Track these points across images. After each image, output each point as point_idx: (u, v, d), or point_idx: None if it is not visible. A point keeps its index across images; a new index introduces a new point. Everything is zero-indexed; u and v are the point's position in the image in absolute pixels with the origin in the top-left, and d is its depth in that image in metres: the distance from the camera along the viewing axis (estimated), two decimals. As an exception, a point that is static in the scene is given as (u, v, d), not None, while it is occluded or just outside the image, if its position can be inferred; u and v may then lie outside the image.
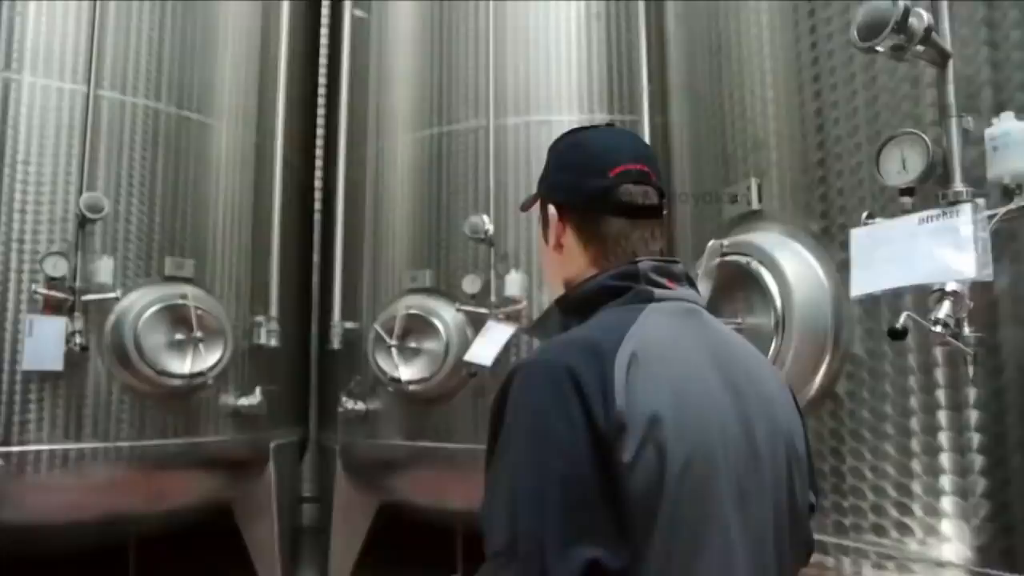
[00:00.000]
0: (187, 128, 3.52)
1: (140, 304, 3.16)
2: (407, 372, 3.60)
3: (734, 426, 1.03)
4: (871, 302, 1.73)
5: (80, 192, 3.08)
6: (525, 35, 3.85)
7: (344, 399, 3.83)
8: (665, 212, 1.22)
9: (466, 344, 3.53)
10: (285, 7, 4.09)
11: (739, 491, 1.00)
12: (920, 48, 1.51)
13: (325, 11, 4.54)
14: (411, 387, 3.58)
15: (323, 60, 4.50)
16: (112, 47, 3.30)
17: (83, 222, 3.05)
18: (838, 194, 1.89)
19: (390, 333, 3.63)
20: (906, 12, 1.45)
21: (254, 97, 3.92)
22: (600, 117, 3.78)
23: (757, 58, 2.18)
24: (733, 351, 1.13)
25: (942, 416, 1.58)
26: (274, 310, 3.77)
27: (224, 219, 3.66)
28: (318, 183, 4.53)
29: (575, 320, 1.12)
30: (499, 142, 3.76)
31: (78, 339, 2.91)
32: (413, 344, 3.65)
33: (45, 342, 2.89)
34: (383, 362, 3.64)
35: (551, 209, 1.20)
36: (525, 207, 1.32)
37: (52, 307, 2.95)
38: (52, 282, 2.95)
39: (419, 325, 3.62)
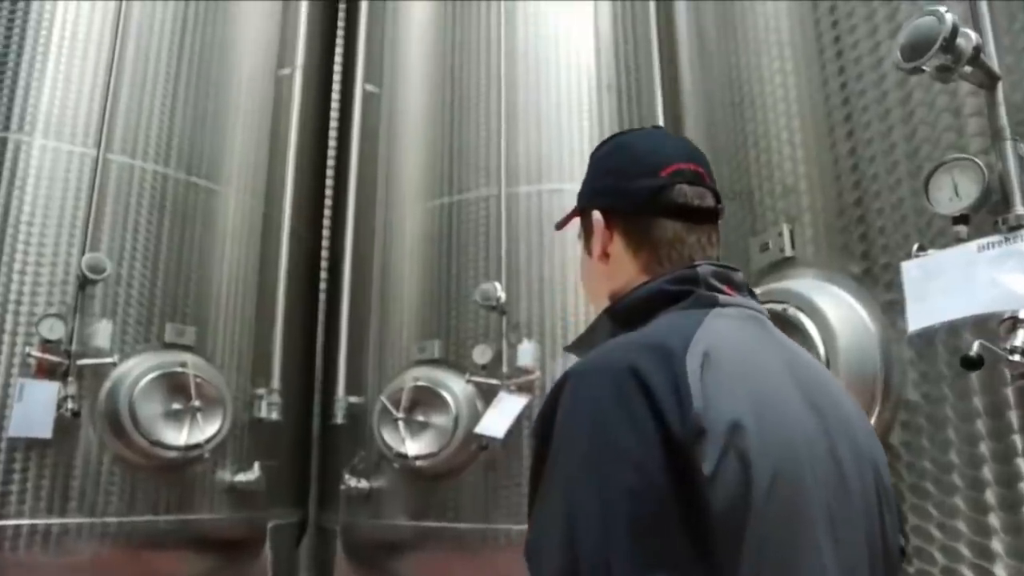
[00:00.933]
0: (195, 194, 3.47)
1: (138, 371, 3.03)
2: (414, 447, 3.42)
3: (819, 444, 0.89)
4: (925, 343, 1.61)
5: (83, 254, 2.99)
6: (536, 105, 3.85)
7: (347, 476, 3.62)
8: (721, 219, 1.11)
9: (476, 417, 3.37)
10: (297, 81, 4.13)
11: (829, 516, 0.86)
12: (968, 69, 1.45)
13: (336, 85, 4.59)
14: (418, 462, 3.39)
15: (333, 132, 4.52)
16: (124, 112, 3.29)
17: (83, 284, 2.95)
18: (879, 233, 1.79)
19: (397, 405, 3.47)
20: (955, 30, 1.39)
21: (263, 167, 3.90)
22: (613, 185, 3.73)
23: (783, 104, 2.13)
24: (807, 366, 1.01)
25: (1021, 464, 1.43)
26: (276, 382, 3.62)
27: (228, 287, 3.57)
28: (325, 254, 4.47)
29: (626, 331, 1.00)
30: (511, 210, 3.70)
31: (70, 404, 2.76)
32: (420, 417, 3.48)
33: (35, 407, 2.74)
34: (389, 436, 3.47)
35: (595, 216, 1.09)
36: (560, 225, 1.22)
37: (45, 371, 2.82)
38: (47, 345, 2.83)
39: (427, 397, 3.47)
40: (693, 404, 0.80)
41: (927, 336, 1.58)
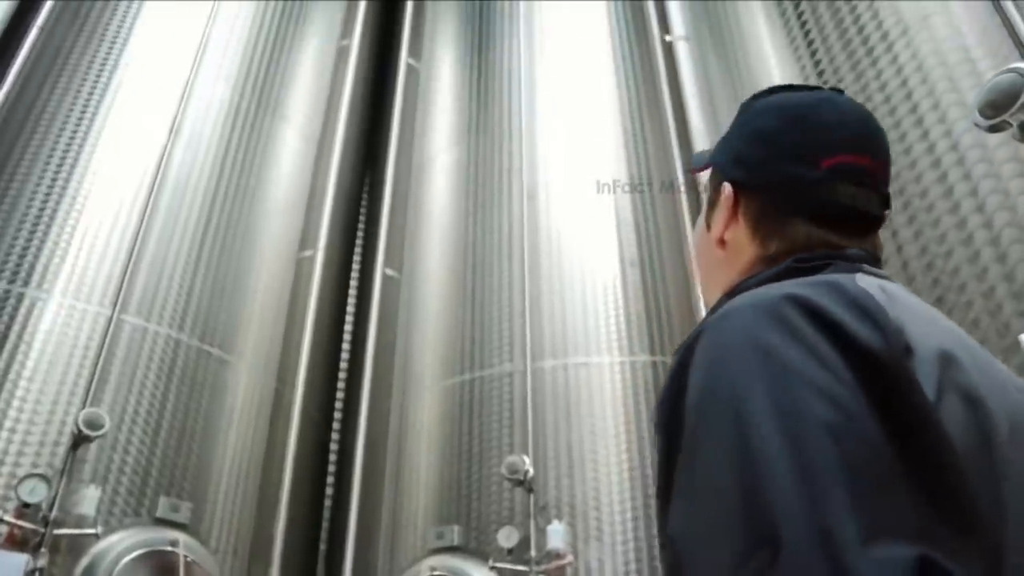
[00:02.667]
0: (206, 362, 3.32)
1: (121, 546, 2.67)
2: (429, 649, 2.95)
3: None
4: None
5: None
6: (560, 282, 3.82)
7: None
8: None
9: (501, 613, 2.94)
10: (318, 263, 4.15)
11: None
12: (1054, 126, 1.37)
13: (356, 268, 4.61)
14: (433, 669, 2.91)
15: (350, 313, 4.46)
16: (145, 276, 3.24)
17: (77, 443, 2.70)
18: (972, 327, 1.62)
19: (410, 599, 3.04)
20: (1037, 82, 1.33)
21: (278, 343, 3.78)
22: (642, 359, 3.59)
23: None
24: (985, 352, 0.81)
25: None
26: (275, 572, 3.21)
27: (231, 463, 3.28)
28: (336, 435, 4.20)
29: None
30: (536, 386, 3.53)
31: (39, 577, 2.40)
32: (437, 614, 3.05)
33: (-3, 582, 2.37)
34: (400, 637, 3.00)
35: (725, 190, 0.87)
36: (696, 170, 0.98)
37: (16, 541, 2.47)
38: (24, 509, 2.51)
39: (445, 589, 3.06)
40: (890, 315, 0.61)
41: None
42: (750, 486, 0.54)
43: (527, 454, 3.25)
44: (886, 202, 0.85)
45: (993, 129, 1.41)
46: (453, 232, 4.25)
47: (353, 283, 4.57)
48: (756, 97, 0.91)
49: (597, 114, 4.27)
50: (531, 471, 3.16)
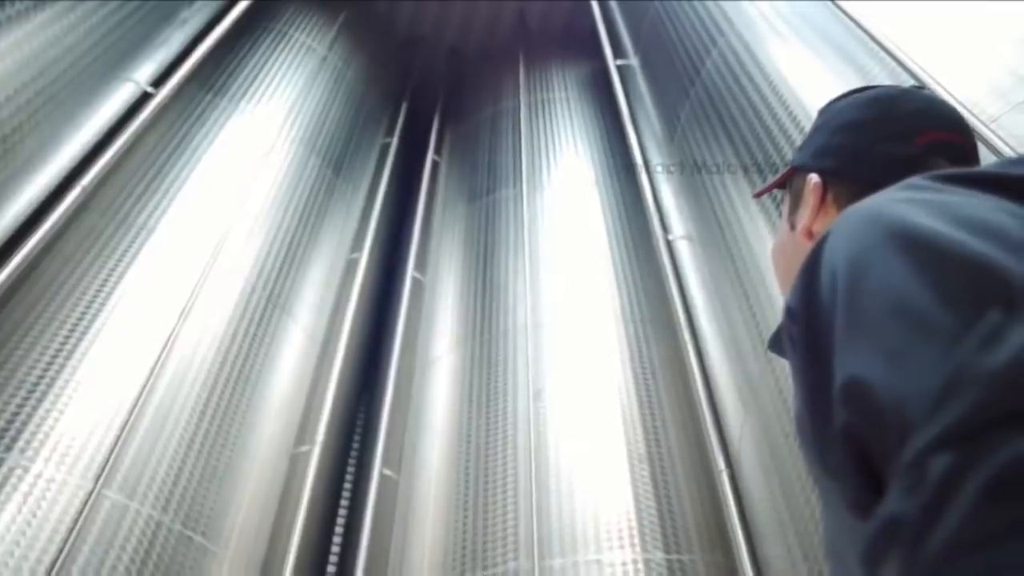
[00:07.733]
0: (187, 548, 3.04)
1: None
2: None
3: None
4: None
5: (42, 589, 2.49)
6: (569, 475, 3.65)
7: None
8: None
9: None
10: (313, 460, 3.97)
11: None
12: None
13: (351, 469, 4.41)
14: None
15: (343, 511, 4.18)
16: (134, 453, 3.08)
17: (31, 623, 2.39)
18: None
19: None
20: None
21: (265, 537, 3.50)
22: (658, 556, 3.33)
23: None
24: None
25: None
26: None
27: (199, 671, 2.89)
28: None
29: None
30: (544, 586, 3.24)
31: None
32: None
33: None
34: None
35: (812, 180, 0.87)
36: (761, 192, 1.02)
37: None
38: None
39: None
40: None
41: None
42: (947, 276, 0.50)
43: (536, 662, 2.88)
44: None
45: None
46: (455, 431, 4.14)
47: (348, 482, 4.34)
48: (833, 102, 0.93)
49: (601, 316, 4.36)
50: None
